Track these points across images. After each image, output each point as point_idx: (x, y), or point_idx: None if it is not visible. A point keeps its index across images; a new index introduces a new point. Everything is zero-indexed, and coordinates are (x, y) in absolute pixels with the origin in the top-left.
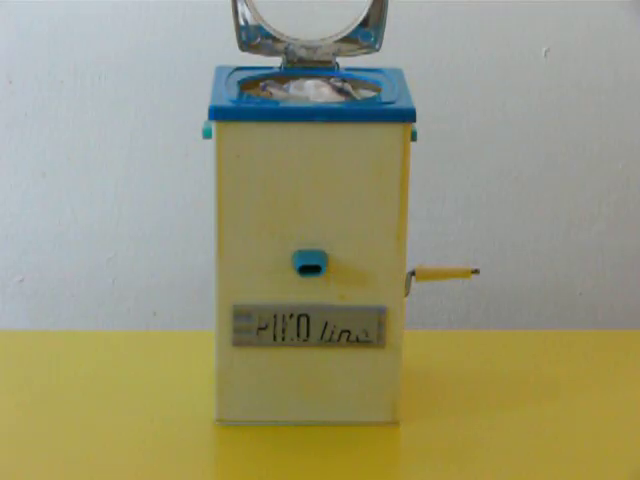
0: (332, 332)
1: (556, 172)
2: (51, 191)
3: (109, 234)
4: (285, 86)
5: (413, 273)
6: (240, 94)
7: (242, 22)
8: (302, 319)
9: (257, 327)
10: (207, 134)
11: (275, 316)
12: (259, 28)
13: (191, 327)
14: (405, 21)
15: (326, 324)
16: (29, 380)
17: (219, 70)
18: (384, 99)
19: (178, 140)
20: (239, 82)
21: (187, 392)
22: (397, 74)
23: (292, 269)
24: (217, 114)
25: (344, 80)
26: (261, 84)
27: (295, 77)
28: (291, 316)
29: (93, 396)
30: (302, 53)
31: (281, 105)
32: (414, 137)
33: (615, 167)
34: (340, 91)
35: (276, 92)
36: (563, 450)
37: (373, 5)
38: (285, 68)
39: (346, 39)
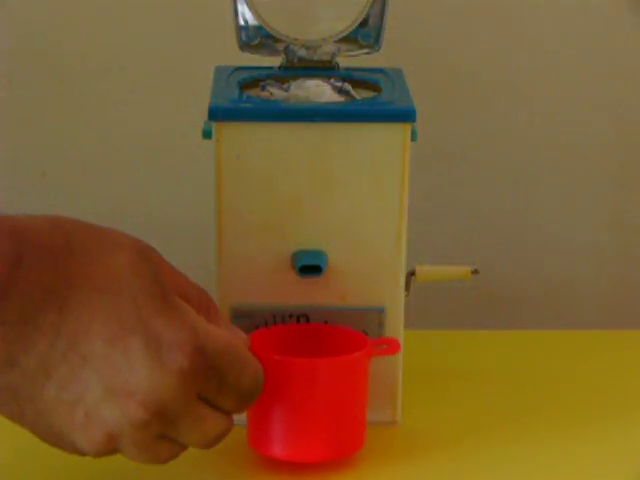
0: None
1: (556, 171)
2: (51, 191)
3: None
4: (285, 86)
5: (413, 273)
6: (240, 94)
7: (242, 22)
8: (302, 319)
9: (257, 327)
10: (207, 134)
11: (275, 316)
12: (259, 28)
13: None
14: (405, 21)
15: (326, 324)
16: None
17: (219, 70)
18: (384, 99)
19: (178, 140)
20: (239, 82)
21: None
22: (397, 74)
23: (292, 269)
24: (217, 114)
25: (344, 80)
26: (261, 84)
27: (295, 77)
28: (291, 316)
29: None
30: (302, 53)
31: (281, 105)
32: (414, 137)
33: (615, 167)
34: (340, 91)
35: (276, 92)
36: (563, 450)
37: (373, 5)
38: (285, 68)
39: (346, 39)
